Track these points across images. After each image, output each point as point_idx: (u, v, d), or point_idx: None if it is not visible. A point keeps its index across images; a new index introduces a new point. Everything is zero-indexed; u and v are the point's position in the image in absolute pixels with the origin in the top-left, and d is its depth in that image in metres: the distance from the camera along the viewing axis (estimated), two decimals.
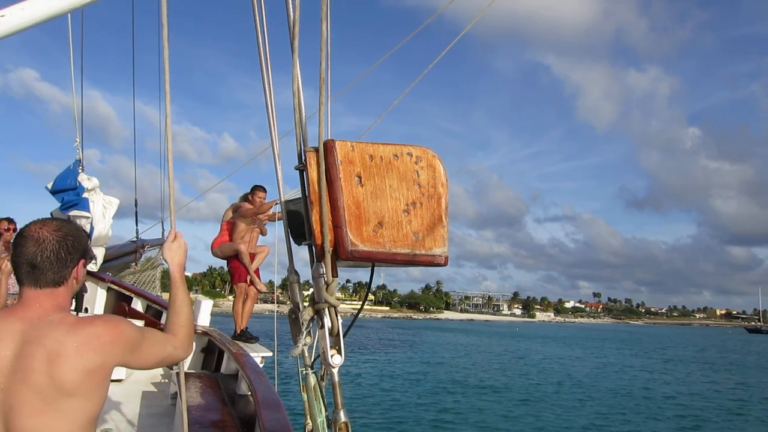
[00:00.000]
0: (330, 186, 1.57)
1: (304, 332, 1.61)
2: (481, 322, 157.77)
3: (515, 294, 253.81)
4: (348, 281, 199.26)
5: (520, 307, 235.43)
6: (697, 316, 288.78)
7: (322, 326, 1.55)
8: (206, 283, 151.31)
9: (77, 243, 1.81)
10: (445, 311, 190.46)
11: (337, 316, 1.56)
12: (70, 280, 1.78)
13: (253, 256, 6.99)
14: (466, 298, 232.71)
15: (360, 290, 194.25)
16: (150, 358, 1.82)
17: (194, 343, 6.80)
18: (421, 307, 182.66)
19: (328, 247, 1.53)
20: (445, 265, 1.61)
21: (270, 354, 6.31)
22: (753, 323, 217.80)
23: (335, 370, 1.56)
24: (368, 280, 1.70)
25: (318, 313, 1.57)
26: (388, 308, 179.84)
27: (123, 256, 10.37)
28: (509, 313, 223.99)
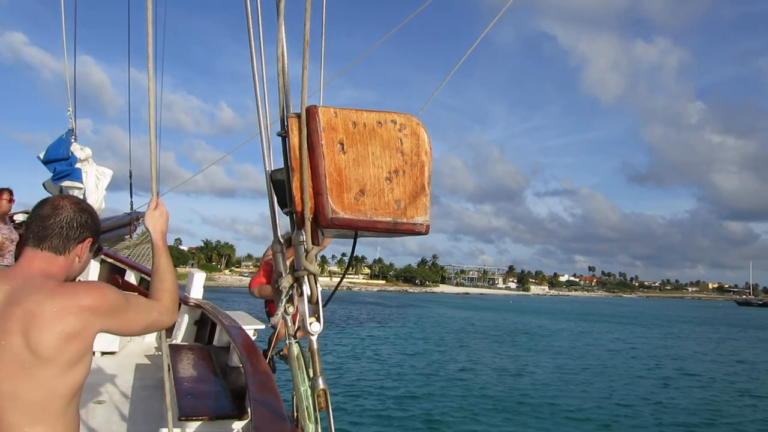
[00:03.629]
0: (311, 153, 1.55)
1: (284, 300, 1.60)
2: (476, 295, 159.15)
3: (511, 268, 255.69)
4: (344, 255, 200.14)
5: (515, 280, 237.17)
6: (690, 289, 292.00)
7: (302, 294, 1.54)
8: (202, 257, 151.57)
9: (91, 222, 1.83)
10: (441, 285, 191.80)
11: (316, 284, 1.55)
12: (72, 255, 1.78)
13: None
14: (462, 271, 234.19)
15: (356, 264, 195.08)
16: (135, 325, 1.79)
17: (187, 316, 6.84)
18: (416, 281, 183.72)
19: (308, 215, 1.51)
20: (426, 233, 1.60)
21: (263, 327, 6.34)
22: (744, 296, 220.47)
23: (314, 338, 1.56)
24: (351, 249, 1.69)
25: (297, 281, 1.56)
26: (384, 282, 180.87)
27: (117, 228, 10.32)
28: (504, 286, 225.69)
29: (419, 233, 1.60)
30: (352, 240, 1.66)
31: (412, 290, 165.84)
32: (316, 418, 1.57)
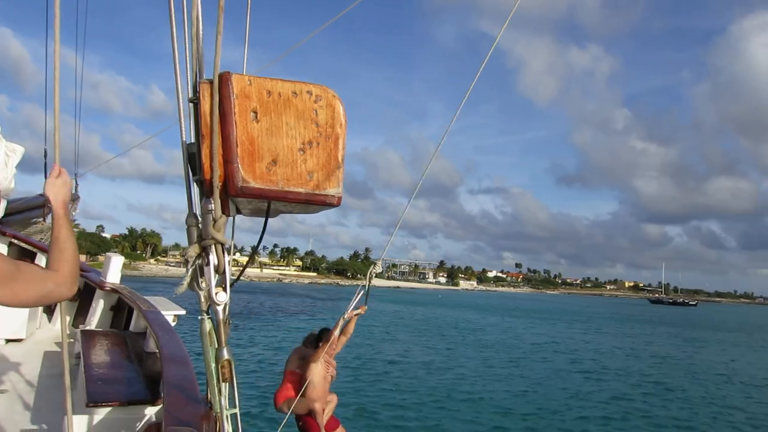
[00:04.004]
0: (223, 120, 1.50)
1: (190, 270, 1.56)
2: (406, 289, 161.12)
3: (441, 262, 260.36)
4: (276, 246, 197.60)
5: (445, 275, 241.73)
6: (608, 287, 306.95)
7: (208, 263, 1.51)
8: (127, 245, 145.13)
9: None
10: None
11: (224, 253, 1.52)
12: None
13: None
14: (394, 265, 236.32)
15: (289, 256, 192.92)
16: (26, 295, 1.67)
17: (102, 301, 6.55)
18: (348, 274, 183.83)
19: (217, 183, 1.48)
20: (337, 205, 1.59)
21: (183, 312, 6.15)
22: (656, 295, 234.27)
23: (220, 308, 1.52)
24: (265, 222, 1.66)
25: (204, 250, 1.52)
26: (315, 274, 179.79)
27: (28, 210, 9.72)
28: (434, 281, 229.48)
29: (331, 205, 1.59)
30: (259, 216, 1.63)
31: (343, 283, 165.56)
32: (219, 389, 1.53)
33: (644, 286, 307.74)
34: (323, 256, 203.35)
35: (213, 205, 1.49)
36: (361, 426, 13.76)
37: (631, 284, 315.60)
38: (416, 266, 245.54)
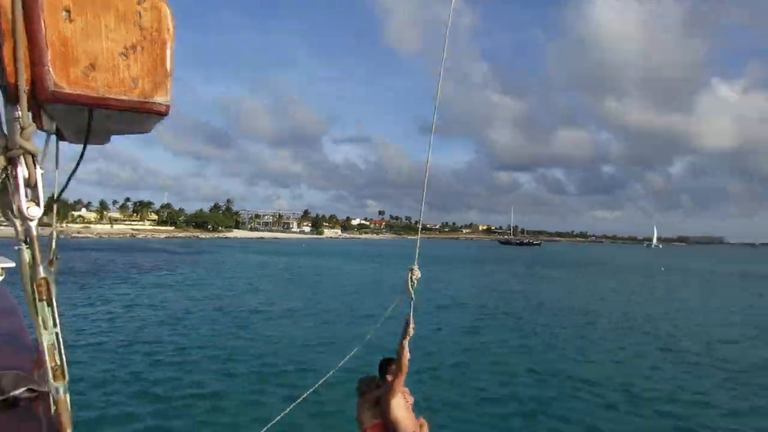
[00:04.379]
0: (28, 17, 1.33)
1: None
2: (270, 239, 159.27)
3: (305, 212, 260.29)
4: (128, 199, 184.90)
5: (310, 224, 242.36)
6: (464, 231, 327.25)
7: (16, 176, 1.36)
8: None
9: None
10: (235, 230, 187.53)
11: (35, 164, 1.38)
12: None
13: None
14: (257, 216, 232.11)
15: (142, 210, 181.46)
16: None
17: None
18: (209, 226, 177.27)
19: (24, 87, 1.32)
20: (166, 114, 1.50)
21: (12, 264, 5.58)
22: (505, 237, 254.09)
23: (33, 224, 1.39)
24: (87, 134, 1.52)
25: (11, 162, 1.37)
26: (173, 228, 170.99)
27: None
28: (299, 230, 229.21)
29: (159, 113, 1.49)
30: (88, 127, 1.50)
31: (203, 236, 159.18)
32: (37, 311, 1.41)
33: (496, 228, 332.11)
34: (181, 209, 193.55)
35: (20, 112, 1.33)
36: (221, 375, 13.64)
37: (485, 228, 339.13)
38: (280, 216, 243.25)
